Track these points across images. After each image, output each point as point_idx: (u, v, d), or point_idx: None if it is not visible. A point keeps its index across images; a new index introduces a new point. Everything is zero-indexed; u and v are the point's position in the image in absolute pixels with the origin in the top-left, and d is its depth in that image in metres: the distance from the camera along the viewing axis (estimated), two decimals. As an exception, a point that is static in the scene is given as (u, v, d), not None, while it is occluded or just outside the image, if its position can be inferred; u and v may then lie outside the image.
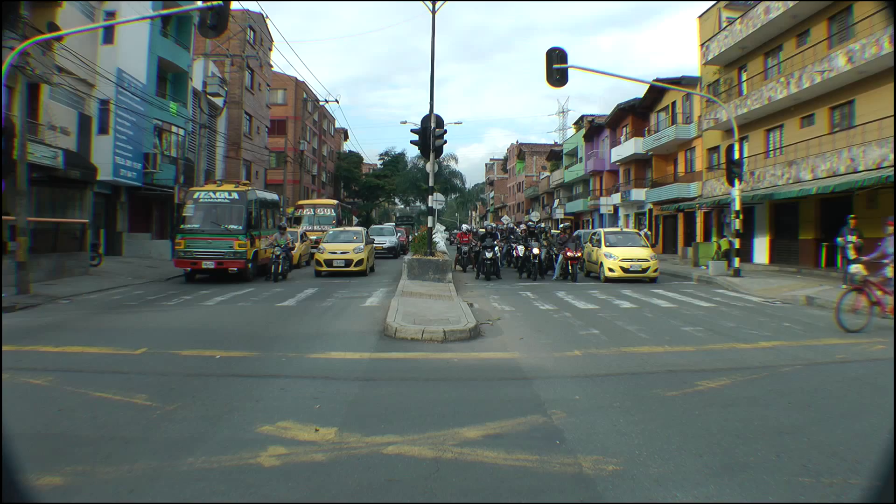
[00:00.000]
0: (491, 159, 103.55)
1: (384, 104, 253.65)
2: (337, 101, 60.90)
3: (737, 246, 19.39)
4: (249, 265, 17.85)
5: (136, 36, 24.57)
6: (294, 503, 3.64)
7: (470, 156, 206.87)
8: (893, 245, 9.99)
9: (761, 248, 26.03)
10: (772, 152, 25.90)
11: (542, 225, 27.67)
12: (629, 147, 39.29)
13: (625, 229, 30.81)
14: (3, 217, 14.37)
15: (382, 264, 25.65)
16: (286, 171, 45.42)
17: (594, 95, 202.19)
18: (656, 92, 34.99)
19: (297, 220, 29.71)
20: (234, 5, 15.66)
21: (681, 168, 34.74)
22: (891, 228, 10.27)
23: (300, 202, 35.25)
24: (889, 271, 9.91)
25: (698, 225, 31.90)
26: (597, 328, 10.05)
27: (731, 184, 19.53)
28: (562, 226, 23.68)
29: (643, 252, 18.90)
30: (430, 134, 17.85)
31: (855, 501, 3.01)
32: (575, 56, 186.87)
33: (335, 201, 36.41)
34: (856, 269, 9.98)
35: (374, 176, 70.94)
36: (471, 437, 4.63)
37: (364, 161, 73.53)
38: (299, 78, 51.14)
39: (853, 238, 15.27)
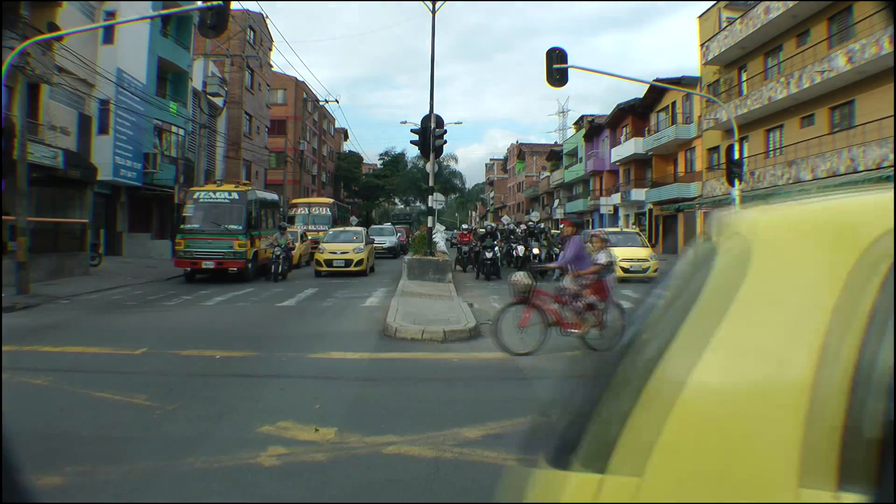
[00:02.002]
0: (491, 159, 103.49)
1: (384, 104, 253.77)
2: (337, 101, 61.01)
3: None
4: (249, 265, 17.84)
5: (136, 36, 24.56)
6: (294, 503, 3.64)
7: (470, 156, 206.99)
8: (569, 249, 8.35)
9: (761, 248, 26.00)
10: (772, 152, 25.91)
11: (542, 225, 27.66)
12: (629, 147, 39.28)
13: (625, 229, 30.80)
14: (3, 217, 14.37)
15: (382, 264, 25.65)
16: (286, 171, 45.43)
17: (594, 95, 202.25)
18: (656, 92, 34.98)
19: (291, 220, 29.61)
20: (234, 5, 15.66)
21: (681, 168, 34.74)
22: (568, 229, 8.70)
23: (295, 201, 35.09)
24: (568, 280, 8.30)
25: (698, 225, 31.89)
26: (597, 328, 10.03)
27: (731, 184, 19.52)
28: (562, 226, 23.61)
29: (643, 252, 18.92)
30: (430, 134, 17.85)
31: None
32: (575, 56, 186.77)
33: (331, 200, 36.33)
34: (518, 276, 8.14)
35: (374, 176, 70.91)
36: (471, 437, 4.64)
37: (364, 161, 73.50)
38: (299, 78, 51.14)
39: None
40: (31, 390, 6.04)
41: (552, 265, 8.61)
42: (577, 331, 7.98)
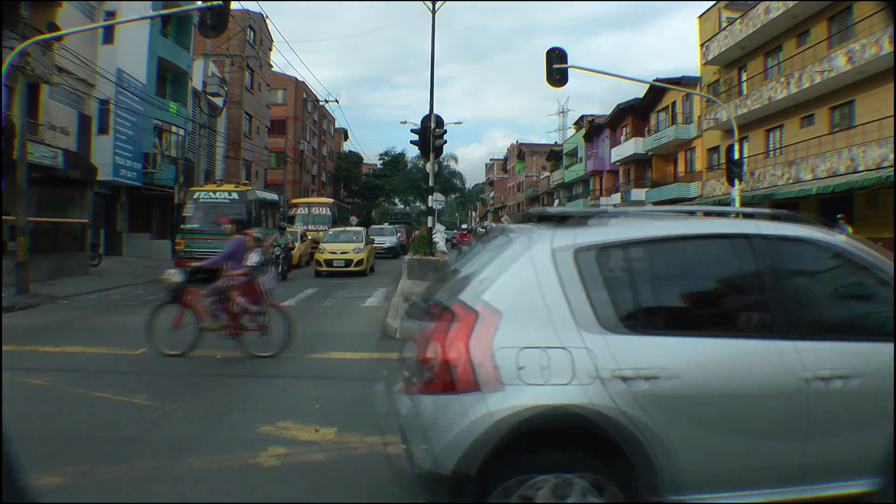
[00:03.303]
0: (491, 159, 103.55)
1: (384, 104, 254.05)
2: (337, 101, 60.93)
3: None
4: (249, 265, 17.83)
5: (136, 36, 24.56)
6: (294, 503, 3.64)
7: (470, 156, 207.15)
8: (226, 248, 7.96)
9: (761, 248, 25.98)
10: (772, 152, 25.90)
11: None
12: (629, 147, 39.28)
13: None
14: (3, 217, 14.37)
15: (382, 264, 25.65)
16: (286, 171, 45.43)
17: (594, 95, 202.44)
18: (656, 92, 34.97)
19: (291, 220, 29.63)
20: (234, 5, 15.65)
21: (681, 168, 34.74)
22: (228, 227, 8.43)
23: (295, 200, 35.08)
24: (223, 280, 7.86)
25: (698, 225, 31.85)
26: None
27: (731, 184, 19.52)
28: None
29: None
30: (430, 134, 17.83)
31: (855, 502, 3.02)
32: (575, 56, 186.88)
33: (331, 200, 36.31)
34: (168, 273, 7.87)
35: (374, 176, 70.91)
36: (471, 437, 4.62)
37: (364, 161, 73.51)
38: (299, 78, 51.16)
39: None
40: (31, 390, 6.04)
41: (200, 264, 8.15)
42: (232, 333, 7.72)
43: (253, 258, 7.80)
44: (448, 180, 63.57)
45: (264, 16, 39.32)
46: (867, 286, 3.20)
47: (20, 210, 13.66)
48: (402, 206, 71.16)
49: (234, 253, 7.84)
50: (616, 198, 42.67)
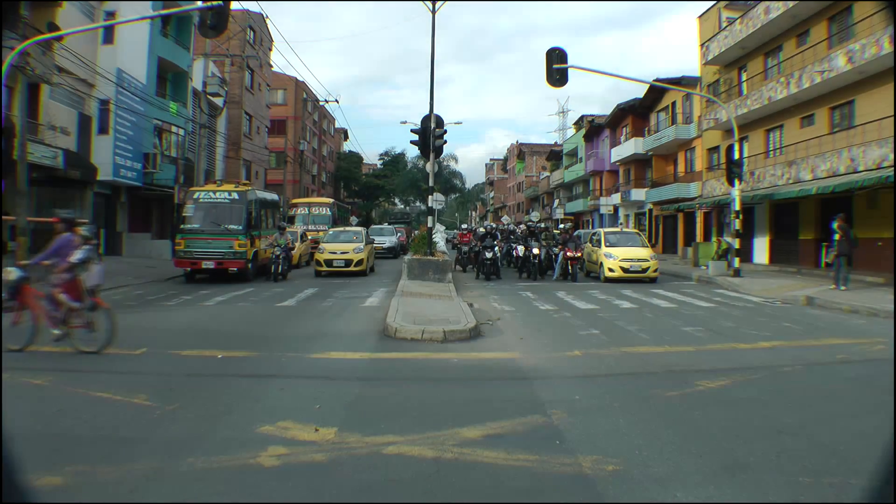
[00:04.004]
0: (491, 159, 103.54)
1: (384, 104, 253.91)
2: (337, 101, 60.92)
3: (736, 246, 19.39)
4: (249, 265, 17.84)
5: (136, 36, 24.56)
6: (294, 503, 3.64)
7: (470, 156, 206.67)
8: (51, 246, 7.94)
9: (761, 248, 26.02)
10: (772, 152, 25.90)
11: (543, 224, 27.65)
12: (629, 147, 39.28)
13: (625, 229, 30.82)
14: (3, 217, 14.37)
15: (382, 264, 25.65)
16: (286, 171, 45.43)
17: (594, 95, 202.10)
18: (656, 92, 34.97)
19: (291, 220, 29.62)
20: (234, 5, 15.67)
21: (681, 168, 34.73)
22: (58, 226, 8.19)
23: (294, 200, 35.07)
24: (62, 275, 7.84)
25: (698, 225, 31.89)
26: (597, 328, 10.04)
27: (731, 184, 19.54)
28: (561, 226, 23.69)
29: (643, 252, 18.92)
30: (430, 134, 17.85)
31: (855, 501, 3.02)
32: (575, 56, 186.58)
33: (331, 200, 36.30)
34: (5, 271, 7.94)
35: (374, 176, 70.94)
36: (471, 437, 4.63)
37: (364, 161, 73.54)
38: (299, 78, 51.16)
39: (837, 237, 15.17)
40: (31, 390, 6.04)
41: (27, 262, 8.14)
42: (62, 329, 7.85)
43: (76, 255, 7.88)
44: (448, 180, 63.62)
45: (264, 16, 39.32)
46: None
47: (20, 210, 13.67)
48: (402, 206, 71.18)
49: (59, 250, 7.92)
50: (616, 198, 42.68)
